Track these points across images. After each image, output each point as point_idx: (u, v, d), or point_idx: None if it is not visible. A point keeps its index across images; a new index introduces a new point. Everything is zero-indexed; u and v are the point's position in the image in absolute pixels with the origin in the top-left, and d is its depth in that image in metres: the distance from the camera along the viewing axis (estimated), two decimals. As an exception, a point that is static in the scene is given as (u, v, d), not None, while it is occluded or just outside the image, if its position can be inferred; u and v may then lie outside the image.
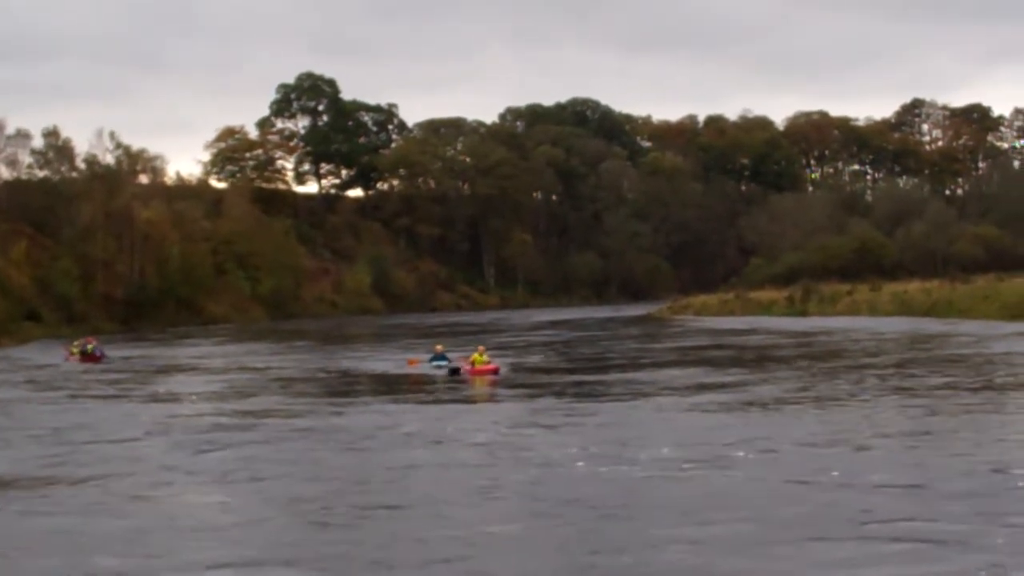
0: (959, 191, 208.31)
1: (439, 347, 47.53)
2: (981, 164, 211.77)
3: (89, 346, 62.69)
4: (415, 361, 47.04)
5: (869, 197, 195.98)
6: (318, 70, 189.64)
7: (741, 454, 21.37)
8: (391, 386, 40.31)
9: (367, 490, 19.14)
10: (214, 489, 19.59)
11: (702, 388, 34.55)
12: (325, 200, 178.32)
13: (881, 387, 33.02)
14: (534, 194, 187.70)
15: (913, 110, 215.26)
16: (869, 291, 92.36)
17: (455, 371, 43.25)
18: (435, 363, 45.22)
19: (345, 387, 41.13)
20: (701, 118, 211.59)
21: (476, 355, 43.21)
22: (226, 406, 34.26)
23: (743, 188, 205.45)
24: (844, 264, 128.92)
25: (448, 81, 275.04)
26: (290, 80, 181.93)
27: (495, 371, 41.90)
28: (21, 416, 32.91)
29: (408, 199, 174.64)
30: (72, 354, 63.06)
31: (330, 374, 47.49)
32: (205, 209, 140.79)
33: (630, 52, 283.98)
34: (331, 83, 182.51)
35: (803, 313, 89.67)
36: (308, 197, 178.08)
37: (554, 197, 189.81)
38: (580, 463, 20.86)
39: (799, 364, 43.00)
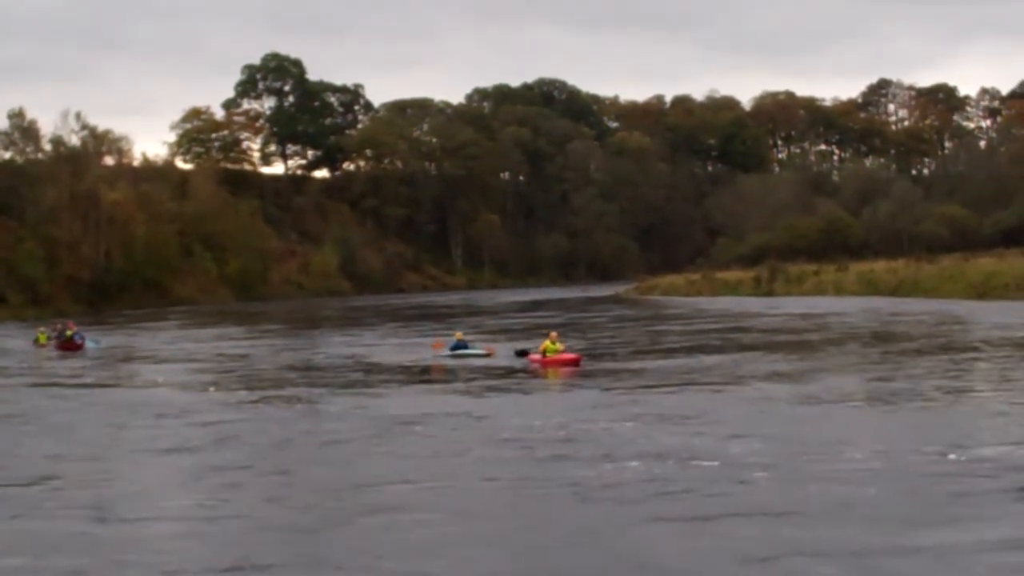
0: (925, 171, 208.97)
1: (459, 334, 43.68)
2: (947, 144, 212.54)
3: (68, 331, 55.76)
4: (439, 344, 42.70)
5: (835, 177, 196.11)
6: (283, 49, 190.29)
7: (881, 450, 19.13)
8: (425, 378, 36.34)
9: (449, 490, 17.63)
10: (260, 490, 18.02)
11: (773, 376, 31.62)
12: (292, 181, 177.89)
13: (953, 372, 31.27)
14: (501, 175, 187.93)
15: (879, 90, 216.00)
16: (835, 271, 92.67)
17: (523, 353, 39.57)
18: (458, 351, 41.27)
19: (365, 377, 36.23)
20: (668, 98, 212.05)
21: (548, 343, 37.72)
22: (237, 398, 31.23)
23: (710, 168, 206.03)
24: (810, 244, 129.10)
25: (414, 61, 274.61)
26: (256, 61, 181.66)
27: (576, 361, 36.32)
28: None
29: (375, 180, 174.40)
30: (40, 342, 58.00)
31: (342, 361, 42.78)
32: (171, 190, 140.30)
33: (597, 31, 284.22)
34: (297, 63, 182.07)
35: (769, 293, 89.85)
36: (274, 178, 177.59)
37: (521, 178, 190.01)
38: (728, 464, 18.37)
39: (851, 348, 40.13)
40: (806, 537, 13.93)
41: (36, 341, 58.89)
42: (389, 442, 22.06)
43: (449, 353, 41.45)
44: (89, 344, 55.35)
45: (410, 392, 32.17)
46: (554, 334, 38.57)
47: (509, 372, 35.91)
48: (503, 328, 62.06)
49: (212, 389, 33.78)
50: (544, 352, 37.33)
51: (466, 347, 41.79)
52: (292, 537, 14.74)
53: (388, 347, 49.58)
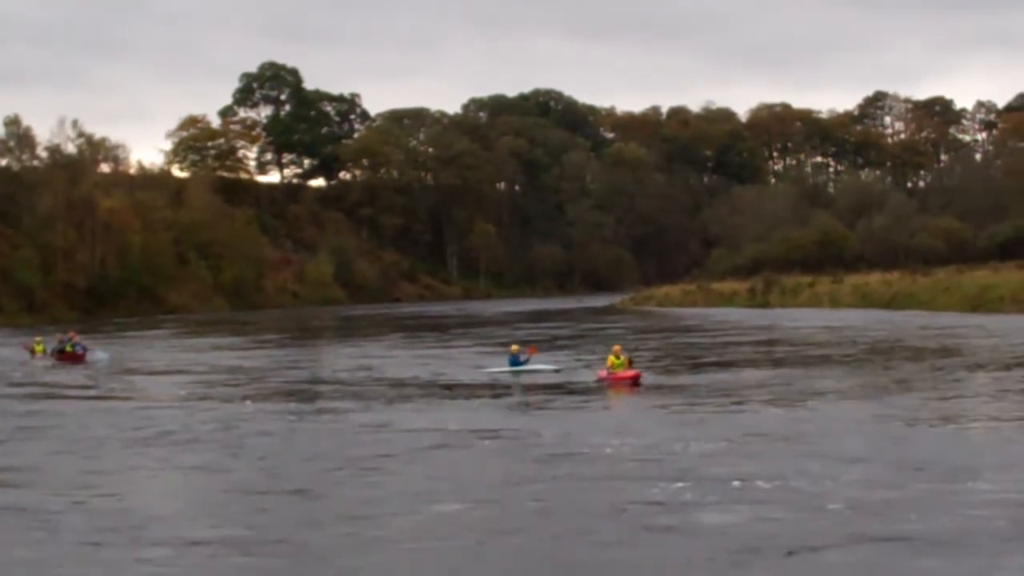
0: (921, 184, 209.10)
1: (515, 347, 39.91)
2: (943, 157, 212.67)
3: (69, 342, 52.05)
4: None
5: (831, 189, 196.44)
6: (279, 57, 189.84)
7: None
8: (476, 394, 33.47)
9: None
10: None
11: (840, 393, 30.60)
12: (287, 190, 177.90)
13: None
14: (497, 185, 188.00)
15: (876, 103, 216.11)
16: (831, 283, 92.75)
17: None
18: (518, 367, 38.13)
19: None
20: (664, 109, 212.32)
21: (612, 357, 34.86)
22: (272, 414, 29.49)
23: (706, 180, 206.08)
24: (806, 256, 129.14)
25: (411, 70, 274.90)
26: (253, 69, 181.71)
27: (636, 378, 33.88)
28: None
29: (371, 189, 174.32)
30: (36, 352, 54.29)
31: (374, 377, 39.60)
32: (167, 198, 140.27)
33: (594, 42, 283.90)
34: (294, 72, 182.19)
35: (765, 305, 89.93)
36: (270, 187, 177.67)
37: (517, 188, 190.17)
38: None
39: (895, 364, 38.85)
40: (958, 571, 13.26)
41: (32, 351, 54.95)
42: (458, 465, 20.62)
43: (508, 369, 38.42)
44: (99, 355, 51.46)
45: (456, 409, 30.09)
46: (617, 347, 35.59)
47: (572, 389, 33.92)
48: (521, 340, 59.62)
49: (249, 402, 32.24)
50: (610, 368, 34.64)
51: (524, 362, 38.60)
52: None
53: (426, 359, 47.34)
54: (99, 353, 52.11)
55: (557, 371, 38.05)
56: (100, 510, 17.32)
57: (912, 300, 76.76)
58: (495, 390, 34.18)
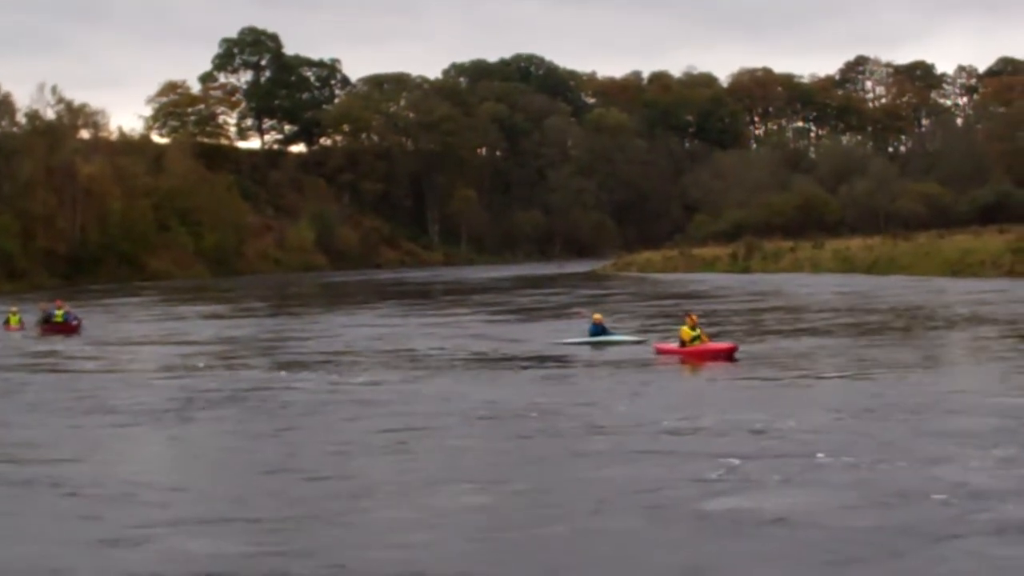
0: (902, 148, 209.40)
1: (597, 316, 36.53)
2: (924, 121, 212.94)
3: (57, 311, 47.46)
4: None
5: (812, 154, 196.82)
6: (259, 22, 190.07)
7: None
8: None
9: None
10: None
11: (924, 364, 28.44)
12: (268, 156, 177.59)
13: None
14: (478, 150, 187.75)
15: (857, 67, 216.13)
16: (812, 248, 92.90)
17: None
18: (597, 338, 34.97)
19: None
20: (646, 74, 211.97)
21: (687, 328, 30.44)
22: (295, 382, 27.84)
23: (687, 145, 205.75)
24: (787, 221, 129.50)
25: (392, 35, 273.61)
26: (232, 34, 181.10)
27: (731, 351, 29.63)
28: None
29: (351, 155, 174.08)
30: (10, 324, 49.17)
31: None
32: (147, 164, 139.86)
33: (575, 6, 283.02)
34: (274, 38, 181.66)
35: (746, 270, 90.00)
36: (251, 153, 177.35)
37: (498, 153, 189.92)
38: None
39: (946, 330, 37.33)
40: None
41: (6, 323, 49.67)
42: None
43: (588, 340, 35.07)
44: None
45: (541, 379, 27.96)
46: (693, 316, 31.22)
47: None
48: (530, 308, 57.61)
49: (283, 372, 30.49)
50: (683, 341, 30.29)
51: (606, 332, 35.43)
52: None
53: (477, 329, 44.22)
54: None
55: (639, 342, 34.48)
56: (107, 482, 16.85)
57: (893, 265, 76.85)
58: (546, 362, 31.34)
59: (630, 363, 30.06)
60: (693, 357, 29.52)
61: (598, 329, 35.36)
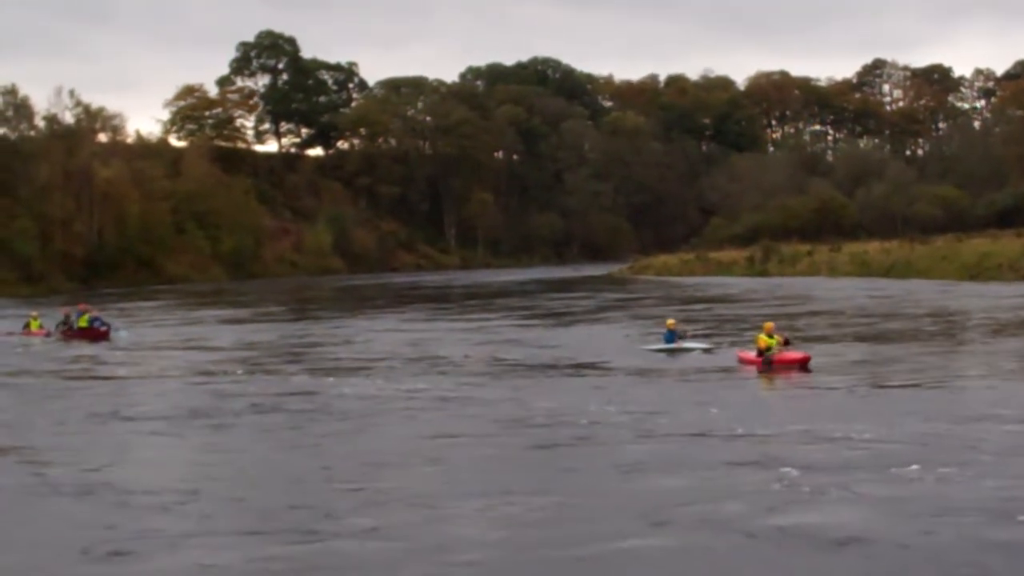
0: (919, 152, 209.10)
1: (671, 321, 36.37)
2: (941, 125, 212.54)
3: (83, 315, 46.09)
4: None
5: (830, 157, 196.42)
6: (276, 25, 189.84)
7: None
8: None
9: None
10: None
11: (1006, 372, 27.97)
12: (285, 159, 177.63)
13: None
14: (495, 154, 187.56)
15: (874, 70, 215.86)
16: (829, 251, 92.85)
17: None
18: (673, 345, 34.80)
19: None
20: (662, 78, 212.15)
21: (763, 335, 30.33)
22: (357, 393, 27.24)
23: (704, 148, 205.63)
24: (804, 224, 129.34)
25: (409, 38, 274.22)
26: (250, 38, 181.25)
27: (805, 361, 29.43)
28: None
29: (368, 158, 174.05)
30: (32, 329, 48.11)
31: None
32: (165, 168, 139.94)
33: (592, 9, 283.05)
34: (291, 41, 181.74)
35: (763, 273, 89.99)
36: (268, 156, 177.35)
37: (515, 157, 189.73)
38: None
39: (995, 336, 36.75)
40: None
41: (26, 327, 48.71)
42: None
43: (664, 347, 34.95)
44: (121, 333, 46.18)
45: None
46: (769, 324, 31.05)
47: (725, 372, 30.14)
48: (560, 312, 57.26)
49: (331, 378, 30.25)
50: (761, 350, 30.09)
51: (679, 339, 35.21)
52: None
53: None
54: (121, 331, 46.79)
55: (709, 350, 34.46)
56: (133, 486, 16.96)
57: (910, 269, 76.83)
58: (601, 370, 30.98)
59: (704, 371, 29.69)
60: (772, 367, 29.28)
61: (672, 335, 35.09)
